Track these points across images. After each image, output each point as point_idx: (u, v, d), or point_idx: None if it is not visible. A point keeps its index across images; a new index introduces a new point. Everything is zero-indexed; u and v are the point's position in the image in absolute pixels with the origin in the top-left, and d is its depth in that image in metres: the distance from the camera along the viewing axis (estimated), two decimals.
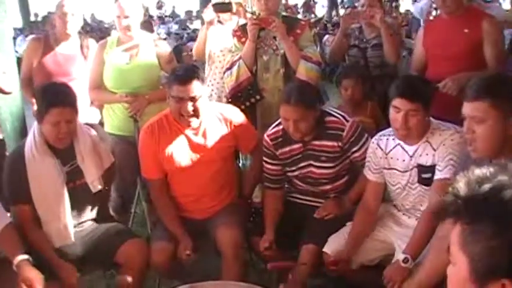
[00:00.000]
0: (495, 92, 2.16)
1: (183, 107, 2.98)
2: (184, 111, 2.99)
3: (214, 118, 3.17)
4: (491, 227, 1.02)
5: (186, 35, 12.78)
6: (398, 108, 2.67)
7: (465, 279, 1.07)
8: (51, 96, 2.86)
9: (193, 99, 2.97)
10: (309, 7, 17.21)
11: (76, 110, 2.91)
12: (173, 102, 3.01)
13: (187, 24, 15.90)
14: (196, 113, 3.01)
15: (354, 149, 3.10)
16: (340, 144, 3.08)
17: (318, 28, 11.82)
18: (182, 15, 18.13)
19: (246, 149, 3.44)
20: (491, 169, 1.09)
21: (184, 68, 3.16)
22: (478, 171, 1.09)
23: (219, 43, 4.32)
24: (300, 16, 14.40)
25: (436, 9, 5.30)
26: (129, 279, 2.92)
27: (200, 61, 4.64)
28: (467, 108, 2.22)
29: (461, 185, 1.08)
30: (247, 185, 3.47)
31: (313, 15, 16.08)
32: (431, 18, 5.53)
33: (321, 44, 9.93)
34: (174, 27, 15.27)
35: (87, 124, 3.20)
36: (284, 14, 4.05)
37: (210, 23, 4.34)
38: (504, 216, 1.01)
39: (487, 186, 1.05)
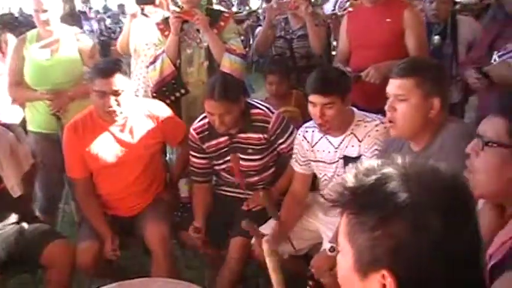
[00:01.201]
0: (421, 72, 2.23)
1: (106, 101, 2.91)
2: (107, 106, 2.92)
3: (141, 114, 3.12)
4: (374, 218, 1.02)
5: (118, 29, 12.52)
6: (313, 103, 2.71)
7: (350, 268, 1.07)
8: None
9: (116, 92, 2.90)
10: (243, 0, 17.18)
11: None
12: (96, 97, 2.94)
13: (120, 18, 15.58)
14: (120, 108, 2.95)
15: (280, 140, 3.11)
16: (266, 136, 3.08)
17: (251, 20, 11.80)
18: (115, 9, 17.76)
19: (174, 142, 3.42)
20: (380, 162, 1.09)
21: (106, 61, 3.10)
22: (367, 163, 1.09)
23: (144, 36, 4.24)
24: (234, 9, 14.37)
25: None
26: None
27: (125, 55, 4.55)
28: (393, 86, 2.28)
29: (349, 177, 1.08)
30: (174, 173, 3.46)
31: (247, 8, 16.05)
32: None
33: (254, 36, 9.93)
34: (107, 22, 14.94)
35: (3, 125, 3.08)
36: (209, 6, 4.01)
37: (133, 15, 4.27)
38: (386, 207, 1.01)
39: (372, 178, 1.05)
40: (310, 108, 2.74)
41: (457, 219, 1.01)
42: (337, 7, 5.12)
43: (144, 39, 4.24)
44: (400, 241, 0.99)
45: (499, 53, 3.08)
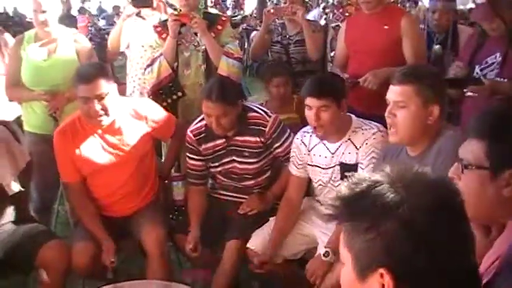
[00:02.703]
0: (420, 79, 2.27)
1: (91, 107, 2.91)
2: (93, 112, 2.92)
3: (128, 115, 3.12)
4: (366, 222, 1.07)
5: None
6: (309, 107, 2.75)
7: (351, 276, 1.11)
8: None
9: (99, 97, 2.90)
10: (238, 3, 17.26)
11: None
12: (81, 102, 2.94)
13: (115, 19, 15.53)
14: (105, 112, 2.95)
15: (277, 144, 3.13)
16: (262, 139, 3.10)
17: (245, 24, 11.84)
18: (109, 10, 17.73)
19: (166, 137, 3.46)
20: (372, 172, 1.15)
21: (88, 66, 3.11)
22: (359, 175, 1.15)
23: (141, 38, 4.23)
24: (229, 12, 14.42)
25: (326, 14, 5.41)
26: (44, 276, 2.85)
27: (115, 53, 4.56)
28: (393, 92, 2.32)
29: (343, 188, 1.13)
30: (165, 166, 3.48)
31: (242, 12, 16.11)
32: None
33: (249, 40, 9.96)
34: (101, 23, 14.90)
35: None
36: (207, 10, 4.02)
37: (128, 15, 4.26)
38: (376, 209, 1.06)
39: (363, 185, 1.10)
40: (307, 111, 2.78)
41: (442, 216, 1.06)
42: (332, 18, 5.14)
43: (140, 41, 4.23)
44: (392, 239, 1.04)
45: (481, 67, 3.14)
